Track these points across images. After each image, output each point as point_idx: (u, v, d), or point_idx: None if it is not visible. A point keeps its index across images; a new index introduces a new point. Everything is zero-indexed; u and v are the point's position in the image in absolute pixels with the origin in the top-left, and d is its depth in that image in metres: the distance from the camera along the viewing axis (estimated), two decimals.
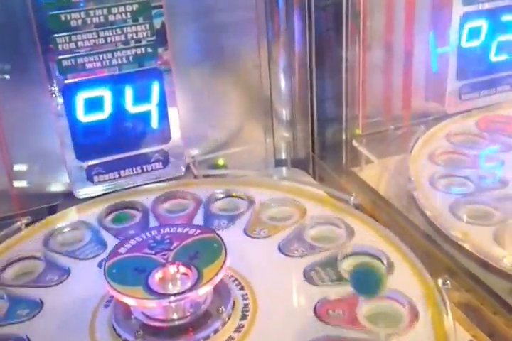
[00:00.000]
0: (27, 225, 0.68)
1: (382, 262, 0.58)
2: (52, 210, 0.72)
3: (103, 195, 0.73)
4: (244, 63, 0.79)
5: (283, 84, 0.81)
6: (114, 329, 0.51)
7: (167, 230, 0.55)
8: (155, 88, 0.72)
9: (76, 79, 0.68)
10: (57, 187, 0.74)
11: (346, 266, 0.58)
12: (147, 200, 0.71)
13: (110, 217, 0.69)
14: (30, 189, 0.74)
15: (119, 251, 0.53)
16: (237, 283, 0.56)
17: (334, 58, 0.78)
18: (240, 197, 0.71)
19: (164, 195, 0.72)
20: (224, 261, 0.51)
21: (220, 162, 0.81)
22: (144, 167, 0.75)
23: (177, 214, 0.69)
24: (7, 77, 0.68)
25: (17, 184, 0.72)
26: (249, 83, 0.81)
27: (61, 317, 0.55)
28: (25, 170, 0.73)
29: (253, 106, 0.82)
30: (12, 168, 0.71)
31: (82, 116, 0.70)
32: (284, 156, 0.84)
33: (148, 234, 0.55)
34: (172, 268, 0.51)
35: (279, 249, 0.61)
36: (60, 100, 0.69)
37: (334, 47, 0.77)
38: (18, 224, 0.68)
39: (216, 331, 0.50)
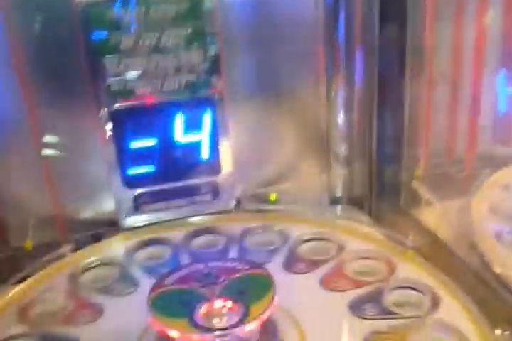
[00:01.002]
0: (70, 252, 0.70)
1: None
2: (97, 238, 0.74)
3: (134, 228, 0.74)
4: (302, 97, 0.80)
5: (341, 119, 0.82)
6: None
7: (215, 264, 0.57)
8: (207, 118, 0.73)
9: (125, 105, 0.69)
10: (103, 215, 0.76)
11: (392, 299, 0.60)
12: (179, 236, 0.72)
13: (141, 252, 0.71)
14: (76, 216, 0.76)
15: (165, 282, 0.55)
16: (284, 320, 0.57)
17: (396, 95, 0.78)
18: (278, 232, 0.72)
19: (197, 230, 0.73)
20: (272, 298, 0.52)
21: (272, 197, 0.82)
22: (193, 198, 0.75)
23: (210, 250, 0.70)
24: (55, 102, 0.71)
25: (63, 210, 0.75)
26: (306, 117, 0.82)
27: None
28: (71, 196, 0.75)
29: (309, 140, 0.83)
30: (58, 194, 0.74)
31: (131, 143, 0.71)
32: (339, 194, 0.85)
33: (195, 267, 0.57)
34: (218, 303, 0.52)
35: (321, 283, 0.63)
36: (109, 126, 0.70)
37: (397, 83, 0.78)
38: (62, 250, 0.69)
39: None
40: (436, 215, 0.77)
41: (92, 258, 0.69)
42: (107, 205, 0.76)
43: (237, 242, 0.71)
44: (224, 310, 0.52)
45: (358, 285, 0.62)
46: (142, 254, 0.70)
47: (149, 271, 0.66)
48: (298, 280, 0.64)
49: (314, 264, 0.66)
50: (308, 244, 0.70)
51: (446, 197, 0.78)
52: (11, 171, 0.73)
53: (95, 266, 0.68)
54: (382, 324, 0.56)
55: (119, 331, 0.58)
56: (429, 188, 0.79)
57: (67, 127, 0.72)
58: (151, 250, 0.71)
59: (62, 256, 0.69)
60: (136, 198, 0.74)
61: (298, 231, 0.72)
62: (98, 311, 0.61)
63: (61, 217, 0.75)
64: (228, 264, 0.57)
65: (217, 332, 0.50)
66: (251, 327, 0.50)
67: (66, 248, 0.70)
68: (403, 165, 0.81)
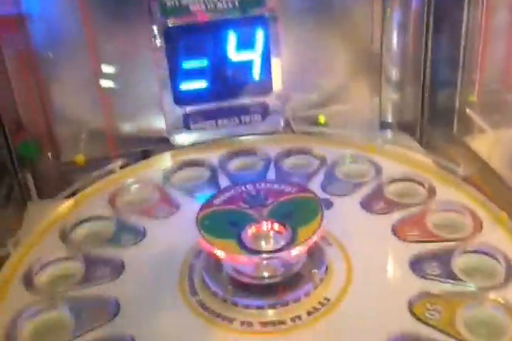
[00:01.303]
0: (121, 167, 0.70)
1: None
2: (146, 155, 0.74)
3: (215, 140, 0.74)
4: (356, 16, 0.78)
5: (395, 41, 0.79)
6: (204, 280, 0.53)
7: (263, 185, 0.56)
8: (259, 36, 0.72)
9: (178, 23, 0.68)
10: (153, 132, 0.76)
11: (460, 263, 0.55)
12: (271, 151, 0.72)
13: (231, 161, 0.72)
14: (127, 132, 0.76)
15: (214, 202, 0.54)
16: (333, 247, 0.56)
17: (453, 18, 0.75)
18: (368, 164, 0.70)
19: (289, 148, 0.72)
20: (320, 223, 0.51)
21: (321, 119, 0.80)
22: (242, 118, 0.74)
23: (297, 171, 0.69)
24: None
25: (114, 126, 0.75)
26: (360, 37, 0.80)
27: (159, 251, 0.58)
28: (123, 112, 0.75)
29: (361, 62, 0.81)
30: (111, 110, 0.73)
31: (183, 61, 0.71)
32: (389, 119, 0.83)
33: (243, 188, 0.55)
34: (266, 225, 0.51)
35: (392, 229, 0.59)
36: (161, 43, 0.69)
37: (454, 5, 0.75)
38: (111, 166, 0.70)
39: (307, 294, 0.51)
40: (489, 144, 0.75)
41: (184, 158, 0.72)
42: (158, 123, 0.75)
43: (325, 168, 0.69)
44: (271, 233, 0.51)
45: (433, 239, 0.57)
46: (234, 163, 0.72)
47: (235, 180, 0.67)
48: (370, 220, 0.61)
49: (394, 206, 0.62)
50: (397, 183, 0.66)
51: (500, 126, 0.75)
52: (65, 87, 0.73)
53: (186, 166, 0.71)
54: (438, 287, 0.52)
55: (185, 231, 0.57)
56: (483, 115, 0.76)
57: (121, 44, 0.72)
58: (238, 161, 0.72)
59: (111, 172, 0.69)
60: (186, 116, 0.73)
61: (388, 167, 0.68)
62: (175, 207, 0.64)
63: (112, 132, 0.75)
64: (276, 186, 0.56)
65: (264, 255, 0.49)
66: (298, 250, 0.49)
67: (116, 164, 0.70)
68: (457, 91, 0.78)
